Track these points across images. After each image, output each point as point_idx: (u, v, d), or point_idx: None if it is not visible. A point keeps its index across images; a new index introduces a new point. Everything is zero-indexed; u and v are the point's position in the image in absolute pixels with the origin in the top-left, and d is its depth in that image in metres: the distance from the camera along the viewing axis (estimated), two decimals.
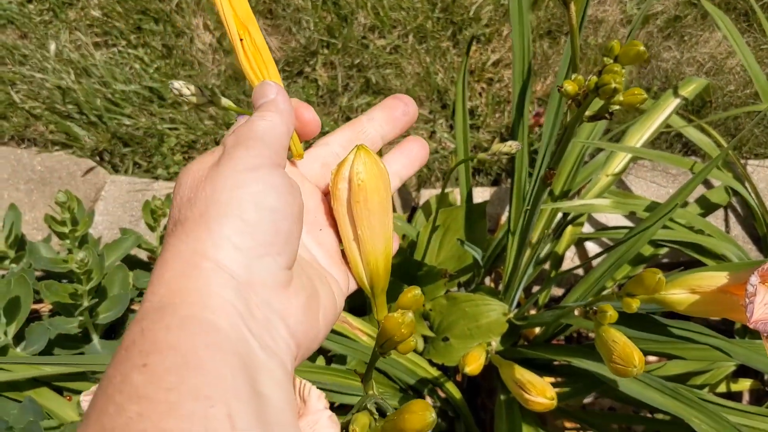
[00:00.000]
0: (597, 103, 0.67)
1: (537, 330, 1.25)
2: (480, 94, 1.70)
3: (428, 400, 1.20)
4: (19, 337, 0.90)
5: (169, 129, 1.58)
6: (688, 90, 1.35)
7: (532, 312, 1.32)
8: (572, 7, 0.71)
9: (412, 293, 0.49)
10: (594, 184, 1.24)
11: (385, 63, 1.69)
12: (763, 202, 1.40)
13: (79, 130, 1.57)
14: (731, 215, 1.52)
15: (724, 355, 0.87)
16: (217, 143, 1.59)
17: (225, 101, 0.75)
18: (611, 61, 0.68)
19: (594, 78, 0.67)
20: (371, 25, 1.73)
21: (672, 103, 1.30)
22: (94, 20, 1.68)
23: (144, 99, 1.61)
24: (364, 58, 1.68)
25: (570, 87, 0.68)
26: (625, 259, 1.03)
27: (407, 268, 1.22)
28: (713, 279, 0.64)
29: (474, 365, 0.84)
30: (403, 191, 1.56)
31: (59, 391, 0.91)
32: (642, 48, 0.66)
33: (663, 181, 1.55)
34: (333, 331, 1.06)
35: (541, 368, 1.19)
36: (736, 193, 1.43)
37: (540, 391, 0.80)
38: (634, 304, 0.66)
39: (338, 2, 1.74)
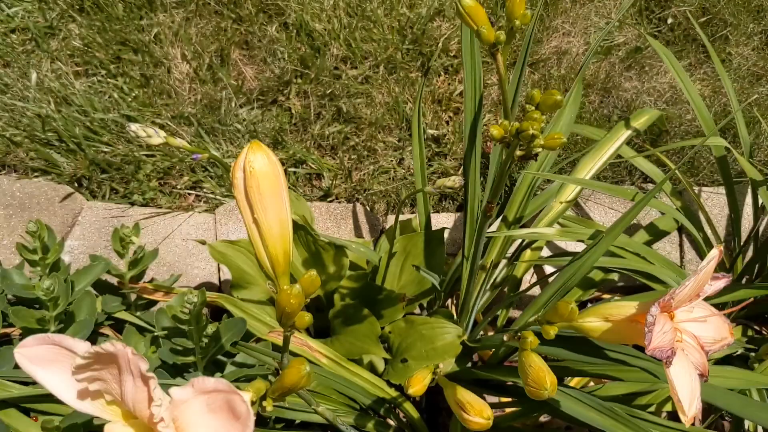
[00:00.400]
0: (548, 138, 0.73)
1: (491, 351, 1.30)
2: (447, 122, 1.77)
3: (389, 421, 1.25)
4: None
5: (146, 156, 1.64)
6: (640, 121, 1.42)
7: (490, 333, 1.38)
8: (499, 57, 0.78)
9: (308, 275, 0.57)
10: (548, 211, 1.30)
11: (356, 92, 1.75)
12: (714, 226, 1.46)
13: (59, 157, 1.62)
14: (686, 240, 1.59)
15: (654, 377, 0.93)
16: (192, 170, 1.65)
17: (179, 141, 0.81)
18: (533, 108, 0.74)
19: (516, 124, 0.73)
20: (343, 56, 1.80)
21: (623, 135, 1.37)
22: (74, 50, 1.74)
23: (122, 127, 1.66)
24: (336, 88, 1.75)
25: (496, 131, 0.74)
26: (571, 285, 1.09)
27: (368, 292, 1.27)
28: (623, 308, 0.70)
29: (418, 387, 0.90)
30: (371, 217, 1.61)
31: (26, 412, 0.95)
32: (559, 97, 0.73)
33: (621, 208, 1.61)
34: (292, 353, 1.11)
35: (495, 389, 1.24)
36: (691, 218, 1.49)
37: (478, 412, 0.85)
38: (552, 331, 0.71)
39: (312, 34, 1.81)
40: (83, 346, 0.53)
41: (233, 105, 1.71)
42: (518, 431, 1.24)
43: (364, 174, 1.70)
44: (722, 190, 1.63)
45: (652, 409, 1.21)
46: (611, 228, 1.04)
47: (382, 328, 1.25)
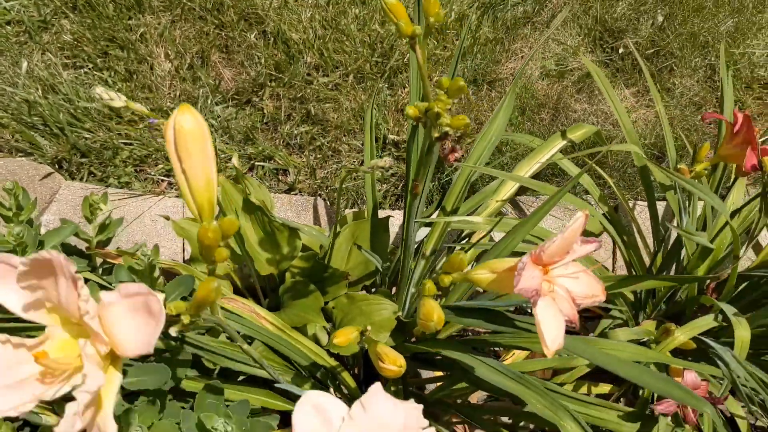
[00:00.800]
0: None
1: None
2: (407, 130, 1.90)
3: (330, 390, 1.35)
4: None
5: (124, 144, 1.76)
6: (577, 134, 1.56)
7: None
8: (417, 49, 0.91)
9: (228, 219, 0.68)
10: (485, 208, 1.43)
11: (325, 98, 1.89)
12: (642, 234, 1.59)
13: (42, 140, 1.74)
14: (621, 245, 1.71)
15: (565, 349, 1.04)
16: (167, 159, 1.76)
17: (138, 105, 0.94)
18: (442, 92, 0.87)
19: (426, 104, 0.86)
20: (316, 64, 1.94)
21: (558, 144, 1.51)
22: (65, 44, 1.87)
23: (104, 116, 1.78)
24: (306, 93, 1.88)
25: (411, 111, 0.87)
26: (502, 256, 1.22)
27: (315, 271, 1.38)
28: (505, 262, 0.82)
29: (342, 338, 1.01)
30: (330, 210, 1.73)
31: None
32: (462, 83, 0.86)
33: (560, 215, 1.74)
34: (240, 317, 1.21)
35: (427, 363, 1.35)
36: (620, 226, 1.62)
37: (392, 361, 0.97)
38: (447, 280, 0.84)
39: (288, 42, 1.95)
40: (21, 267, 0.63)
41: (209, 102, 1.84)
42: (446, 404, 1.35)
43: (327, 173, 1.83)
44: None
45: (568, 386, 1.32)
46: (530, 216, 1.16)
47: (326, 303, 1.36)
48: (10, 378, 0.64)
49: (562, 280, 0.82)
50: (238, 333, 0.97)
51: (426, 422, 0.73)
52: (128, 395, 1.01)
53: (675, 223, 1.49)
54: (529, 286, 0.75)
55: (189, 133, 0.71)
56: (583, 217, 0.79)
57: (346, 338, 1.01)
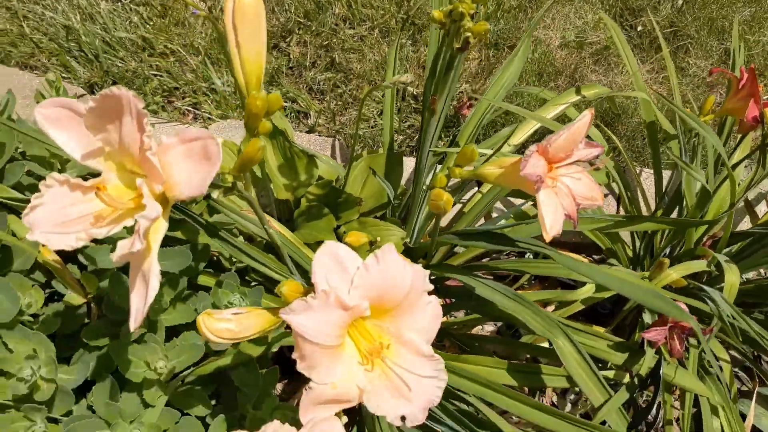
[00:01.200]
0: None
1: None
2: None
3: None
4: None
5: (154, 75, 1.83)
6: (591, 92, 1.61)
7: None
8: None
9: (274, 94, 0.75)
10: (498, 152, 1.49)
11: (350, 48, 1.95)
12: (645, 195, 1.64)
13: (76, 65, 1.81)
14: (622, 211, 1.77)
15: (567, 269, 1.10)
16: (194, 92, 1.84)
17: None
18: None
19: (450, 6, 0.92)
20: (344, 15, 2.00)
21: (572, 98, 1.57)
22: None
23: (137, 47, 1.86)
24: (333, 42, 1.95)
25: (436, 13, 0.94)
26: (499, 197, 1.28)
27: (330, 197, 1.45)
28: (512, 158, 0.89)
29: (353, 238, 1.07)
30: (347, 152, 1.80)
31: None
32: None
33: None
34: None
35: (435, 291, 1.41)
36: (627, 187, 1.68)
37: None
38: (458, 171, 0.90)
39: None
40: (90, 103, 0.68)
41: None
42: (451, 335, 1.41)
43: (346, 119, 1.90)
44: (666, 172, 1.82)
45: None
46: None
47: (338, 228, 1.43)
48: (66, 216, 0.69)
49: (565, 178, 0.89)
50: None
51: (431, 286, 0.79)
52: None
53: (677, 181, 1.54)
54: (533, 171, 0.81)
55: (248, 5, 0.78)
56: (589, 115, 0.85)
57: (358, 240, 1.07)
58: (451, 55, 1.03)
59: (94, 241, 0.70)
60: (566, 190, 0.88)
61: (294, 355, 0.71)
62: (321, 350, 0.72)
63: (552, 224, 0.83)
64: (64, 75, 1.81)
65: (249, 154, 0.73)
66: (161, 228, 0.67)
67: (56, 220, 0.67)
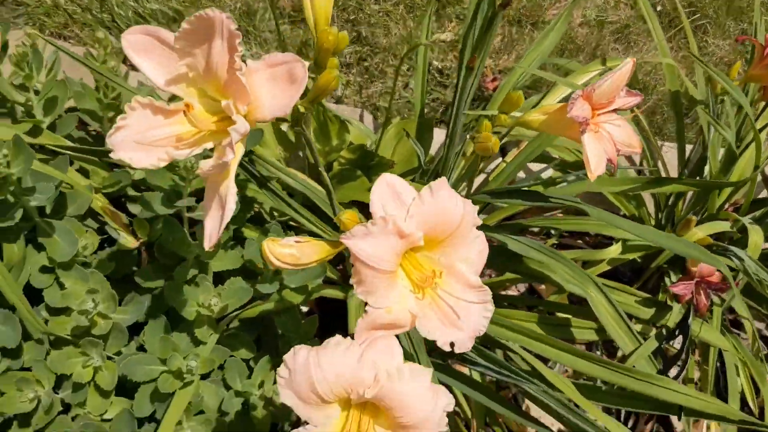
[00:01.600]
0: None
1: None
2: (452, 60, 2.00)
3: None
4: (51, 127, 1.17)
5: None
6: (614, 63, 1.65)
7: None
8: None
9: (342, 35, 0.78)
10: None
11: (376, 23, 1.99)
12: (666, 166, 1.68)
13: (109, 35, 1.85)
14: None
15: (605, 224, 1.14)
16: None
17: None
18: None
19: None
20: None
21: (597, 69, 1.60)
22: None
23: (168, 19, 1.90)
24: (359, 16, 1.99)
25: None
26: (530, 158, 1.32)
27: (362, 160, 1.49)
28: (557, 105, 0.93)
29: None
30: (375, 123, 1.84)
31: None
32: None
33: None
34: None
35: None
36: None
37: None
38: (503, 119, 0.94)
39: None
40: (184, 25, 0.70)
41: (267, 16, 1.95)
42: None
43: (372, 91, 1.93)
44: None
45: None
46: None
47: (369, 190, 1.46)
48: (149, 137, 0.73)
49: (606, 125, 0.92)
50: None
51: (480, 221, 0.83)
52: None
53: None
54: (580, 114, 0.85)
55: None
56: (630, 62, 0.89)
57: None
58: (493, 13, 1.07)
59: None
60: (608, 135, 0.91)
61: (352, 280, 0.75)
62: (379, 275, 0.76)
63: (596, 165, 0.87)
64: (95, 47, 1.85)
65: (325, 83, 0.77)
66: (239, 152, 0.71)
67: (139, 140, 0.71)
